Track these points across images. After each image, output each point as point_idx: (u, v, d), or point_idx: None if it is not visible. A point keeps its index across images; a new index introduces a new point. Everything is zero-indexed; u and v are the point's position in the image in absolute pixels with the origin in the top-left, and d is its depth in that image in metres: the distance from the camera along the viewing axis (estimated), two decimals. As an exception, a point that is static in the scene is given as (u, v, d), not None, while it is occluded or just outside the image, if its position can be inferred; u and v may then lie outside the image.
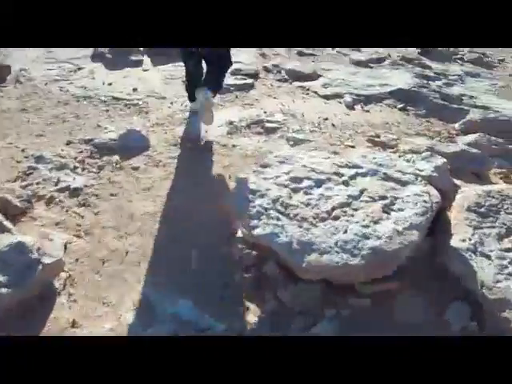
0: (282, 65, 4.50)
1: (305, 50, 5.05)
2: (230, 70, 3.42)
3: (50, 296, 1.92)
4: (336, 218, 2.07)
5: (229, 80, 4.03)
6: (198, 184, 2.68)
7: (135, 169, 2.79)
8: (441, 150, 2.89)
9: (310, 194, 2.20)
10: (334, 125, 3.49)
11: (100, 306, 1.92)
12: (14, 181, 2.56)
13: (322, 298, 1.96)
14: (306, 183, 2.25)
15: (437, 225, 2.20)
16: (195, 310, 1.91)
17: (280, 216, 2.06)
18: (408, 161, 2.51)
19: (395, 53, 5.28)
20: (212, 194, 2.56)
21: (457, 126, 3.66)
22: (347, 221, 2.06)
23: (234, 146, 3.08)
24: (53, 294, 1.93)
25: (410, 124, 3.65)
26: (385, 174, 2.34)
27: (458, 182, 2.54)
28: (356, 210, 2.12)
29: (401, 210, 2.13)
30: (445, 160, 2.52)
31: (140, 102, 3.60)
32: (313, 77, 4.37)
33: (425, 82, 4.51)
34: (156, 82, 4.02)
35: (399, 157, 2.60)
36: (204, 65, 3.12)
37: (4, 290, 1.74)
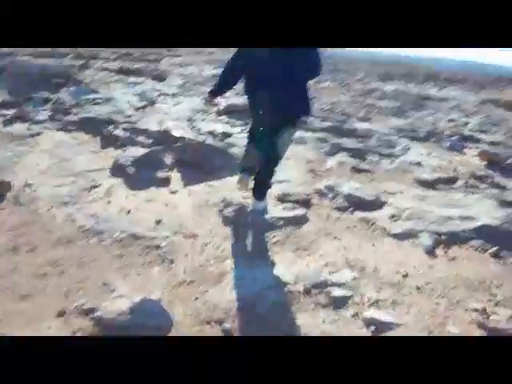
0: (337, 186, 3.69)
1: (360, 165, 4.29)
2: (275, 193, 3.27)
3: None
4: None
5: (277, 210, 3.24)
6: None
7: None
8: None
9: None
10: (418, 288, 2.57)
11: None
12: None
13: None
14: None
15: None
16: None
17: None
18: None
19: (459, 165, 4.48)
20: None
21: None
22: None
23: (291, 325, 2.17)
24: None
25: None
26: None
27: None
28: None
29: None
30: None
31: (164, 243, 2.77)
32: (376, 204, 3.56)
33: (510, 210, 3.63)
34: (186, 209, 3.22)
35: None
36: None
37: None
